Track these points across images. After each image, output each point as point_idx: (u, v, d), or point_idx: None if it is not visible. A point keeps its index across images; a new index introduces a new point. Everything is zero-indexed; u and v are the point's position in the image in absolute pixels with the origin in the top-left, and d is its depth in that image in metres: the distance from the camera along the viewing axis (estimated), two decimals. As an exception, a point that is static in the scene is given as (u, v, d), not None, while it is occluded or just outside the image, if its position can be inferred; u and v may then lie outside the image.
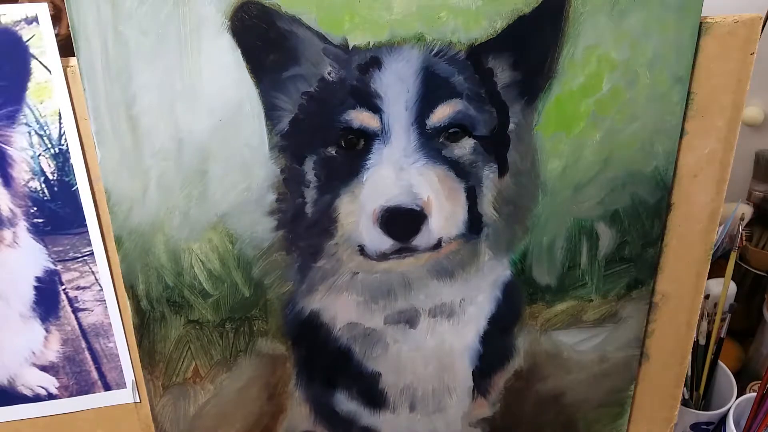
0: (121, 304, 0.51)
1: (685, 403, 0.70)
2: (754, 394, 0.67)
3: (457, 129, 0.47)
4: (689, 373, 0.70)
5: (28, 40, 0.44)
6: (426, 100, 0.46)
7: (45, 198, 0.48)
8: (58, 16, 0.49)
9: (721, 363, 0.72)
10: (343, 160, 0.47)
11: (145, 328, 0.51)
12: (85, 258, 0.50)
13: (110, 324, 0.52)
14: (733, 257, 0.70)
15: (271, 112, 0.46)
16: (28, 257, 0.49)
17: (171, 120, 0.45)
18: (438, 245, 0.50)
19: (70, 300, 0.51)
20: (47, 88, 0.45)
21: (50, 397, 0.54)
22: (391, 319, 0.53)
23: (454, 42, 0.45)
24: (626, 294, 0.54)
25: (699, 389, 0.71)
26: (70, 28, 0.43)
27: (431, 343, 0.54)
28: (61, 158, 0.47)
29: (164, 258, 0.49)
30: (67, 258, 0.50)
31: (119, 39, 0.43)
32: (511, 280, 0.53)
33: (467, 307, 0.53)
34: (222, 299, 0.51)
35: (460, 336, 0.55)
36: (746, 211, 0.76)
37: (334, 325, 0.53)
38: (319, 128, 0.46)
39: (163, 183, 0.47)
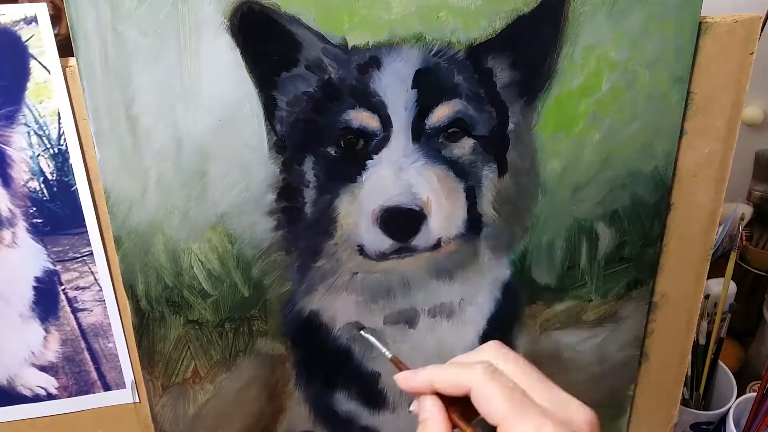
0: (120, 305, 0.51)
1: (685, 403, 0.70)
2: (754, 394, 0.67)
3: (456, 129, 0.47)
4: (689, 373, 0.70)
5: (27, 40, 0.44)
6: (425, 100, 0.46)
7: (44, 198, 0.48)
8: (57, 16, 0.49)
9: (721, 363, 0.72)
10: (342, 160, 0.47)
11: (144, 328, 0.51)
12: (85, 258, 0.50)
13: (110, 324, 0.52)
14: (733, 257, 0.70)
15: (270, 112, 0.46)
16: (28, 257, 0.49)
17: (170, 120, 0.45)
18: (437, 245, 0.50)
19: (69, 300, 0.51)
20: (46, 88, 0.45)
21: (50, 397, 0.54)
22: (391, 319, 0.53)
23: (454, 42, 0.45)
24: (626, 294, 0.54)
25: (699, 389, 0.71)
26: (69, 28, 0.43)
27: (431, 343, 0.54)
28: (61, 158, 0.47)
29: (163, 258, 0.49)
30: (66, 258, 0.50)
31: (118, 39, 0.43)
32: (511, 280, 0.53)
33: (467, 307, 0.53)
34: (221, 299, 0.51)
35: (460, 336, 0.54)
36: (746, 211, 0.77)
37: (333, 325, 0.53)
38: (318, 128, 0.46)
39: (163, 183, 0.47)
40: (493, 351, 0.35)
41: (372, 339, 0.47)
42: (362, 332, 0.49)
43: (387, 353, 0.44)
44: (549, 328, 0.55)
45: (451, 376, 0.34)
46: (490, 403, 0.32)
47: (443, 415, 0.34)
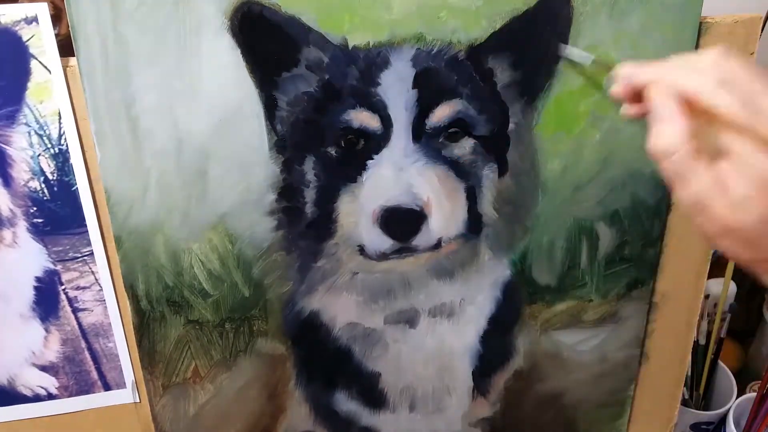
0: (120, 304, 0.51)
1: (685, 403, 0.70)
2: (754, 394, 0.67)
3: (456, 129, 0.47)
4: (689, 373, 0.70)
5: (28, 40, 0.44)
6: (426, 100, 0.46)
7: (45, 198, 0.48)
8: (58, 16, 0.49)
9: (721, 363, 0.72)
10: (342, 160, 0.47)
11: (144, 328, 0.51)
12: (85, 258, 0.50)
13: (110, 324, 0.52)
14: (733, 257, 0.70)
15: (270, 112, 0.46)
16: (28, 257, 0.49)
17: (171, 120, 0.45)
18: (438, 245, 0.50)
19: (69, 300, 0.51)
20: (47, 88, 0.45)
21: (50, 397, 0.54)
22: (391, 319, 0.53)
23: (454, 42, 0.45)
24: (626, 294, 0.54)
25: (699, 389, 0.71)
26: (69, 28, 0.43)
27: (431, 343, 0.54)
28: (61, 158, 0.47)
29: (164, 258, 0.49)
30: (66, 258, 0.50)
31: (119, 39, 0.43)
32: (511, 280, 0.53)
33: (467, 307, 0.53)
34: (222, 299, 0.51)
35: (460, 336, 0.54)
36: (746, 211, 0.76)
37: (333, 325, 0.53)
38: (319, 128, 0.46)
39: (163, 183, 0.47)
40: (721, 57, 0.31)
41: (572, 51, 0.43)
42: (564, 50, 0.43)
43: (589, 58, 0.41)
44: (549, 328, 0.55)
45: (681, 79, 0.31)
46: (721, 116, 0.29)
47: (682, 109, 0.31)
